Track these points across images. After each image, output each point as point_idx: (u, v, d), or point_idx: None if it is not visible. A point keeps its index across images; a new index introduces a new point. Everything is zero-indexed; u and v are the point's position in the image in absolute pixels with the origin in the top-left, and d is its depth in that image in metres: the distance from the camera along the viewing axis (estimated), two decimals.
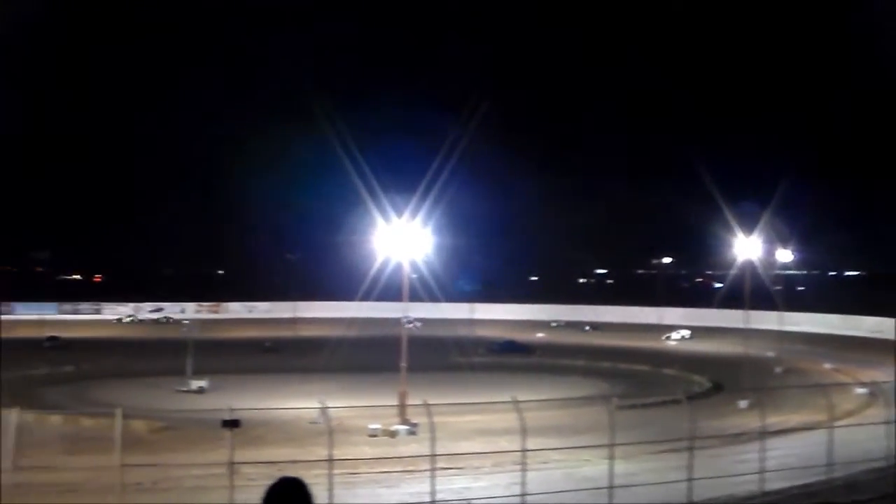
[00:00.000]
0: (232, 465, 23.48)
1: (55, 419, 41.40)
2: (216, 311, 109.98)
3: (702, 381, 56.85)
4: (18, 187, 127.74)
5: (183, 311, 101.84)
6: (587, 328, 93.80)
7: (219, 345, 71.30)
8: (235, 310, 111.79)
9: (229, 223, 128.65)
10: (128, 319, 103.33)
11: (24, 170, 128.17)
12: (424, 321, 78.77)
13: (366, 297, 70.76)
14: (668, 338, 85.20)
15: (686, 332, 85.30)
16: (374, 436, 38.79)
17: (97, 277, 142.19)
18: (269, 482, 5.41)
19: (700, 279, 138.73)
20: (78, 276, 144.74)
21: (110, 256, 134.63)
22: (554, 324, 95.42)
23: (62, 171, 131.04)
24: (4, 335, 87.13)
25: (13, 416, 23.54)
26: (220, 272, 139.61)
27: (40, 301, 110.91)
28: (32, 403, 44.40)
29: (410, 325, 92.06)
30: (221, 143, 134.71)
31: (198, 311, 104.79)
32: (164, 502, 26.26)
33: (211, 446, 30.29)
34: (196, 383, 53.23)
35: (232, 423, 25.70)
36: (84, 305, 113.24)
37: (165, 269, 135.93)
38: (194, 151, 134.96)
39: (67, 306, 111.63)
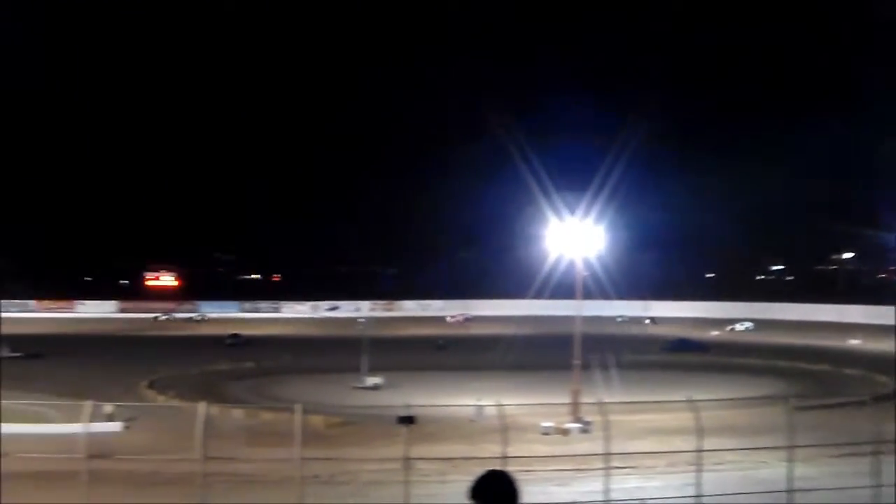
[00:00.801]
0: (407, 460, 23.78)
1: (238, 413, 42.95)
2: (390, 309, 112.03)
3: (887, 382, 54.08)
4: (202, 193, 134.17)
5: (358, 310, 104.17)
6: (741, 326, 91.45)
7: (393, 342, 72.53)
8: (409, 308, 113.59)
9: (405, 222, 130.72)
10: (164, 318, 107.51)
11: (208, 177, 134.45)
12: (597, 319, 78.01)
13: (538, 295, 70.73)
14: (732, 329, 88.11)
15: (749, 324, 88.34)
16: (547, 434, 38.58)
17: (275, 277, 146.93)
18: (471, 478, 5.33)
19: (883, 275, 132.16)
20: (257, 276, 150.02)
21: (288, 256, 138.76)
22: (740, 326, 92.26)
23: (243, 176, 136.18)
24: (191, 332, 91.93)
25: (201, 409, 24.44)
26: (393, 270, 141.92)
27: (223, 300, 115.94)
28: (217, 398, 46.28)
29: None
30: (398, 143, 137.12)
31: (372, 310, 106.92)
32: (341, 495, 26.83)
33: (386, 442, 30.73)
34: (371, 380, 54.25)
35: (407, 420, 26.03)
36: (263, 304, 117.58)
37: (341, 267, 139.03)
38: (371, 153, 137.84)
39: (248, 305, 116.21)
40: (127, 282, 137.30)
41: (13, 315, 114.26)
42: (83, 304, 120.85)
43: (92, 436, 24.52)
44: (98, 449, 24.65)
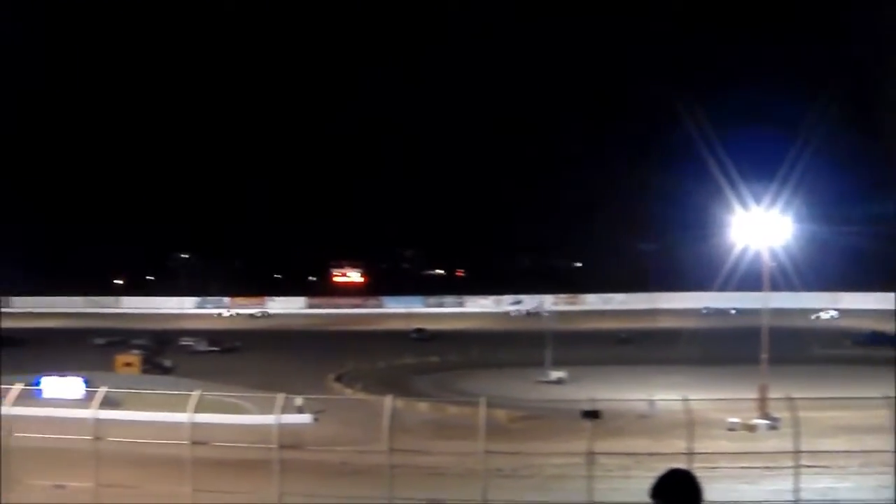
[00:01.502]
0: (590, 455, 23.52)
1: (423, 406, 43.60)
2: (573, 303, 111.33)
3: None
4: (387, 190, 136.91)
5: (541, 304, 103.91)
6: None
7: (576, 336, 71.99)
8: (592, 301, 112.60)
9: (585, 215, 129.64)
10: (228, 314, 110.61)
11: (394, 175, 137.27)
12: (784, 312, 75.11)
13: (723, 287, 68.84)
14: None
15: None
16: (733, 430, 37.50)
17: (459, 272, 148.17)
18: (655, 475, 5.17)
19: None
20: (441, 271, 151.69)
21: (471, 251, 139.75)
22: None
23: (428, 174, 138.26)
24: (375, 327, 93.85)
25: (387, 402, 24.86)
26: (576, 264, 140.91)
27: (407, 295, 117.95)
28: (403, 391, 47.08)
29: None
30: (580, 137, 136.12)
31: (555, 304, 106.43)
32: (524, 489, 26.79)
33: (570, 436, 30.46)
34: (555, 374, 54.08)
35: (592, 414, 25.74)
36: (448, 299, 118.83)
37: (522, 261, 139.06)
38: (554, 146, 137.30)
39: (432, 300, 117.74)
40: (315, 278, 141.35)
41: (209, 311, 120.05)
42: (273, 300, 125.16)
43: (283, 427, 25.29)
44: (289, 439, 25.40)
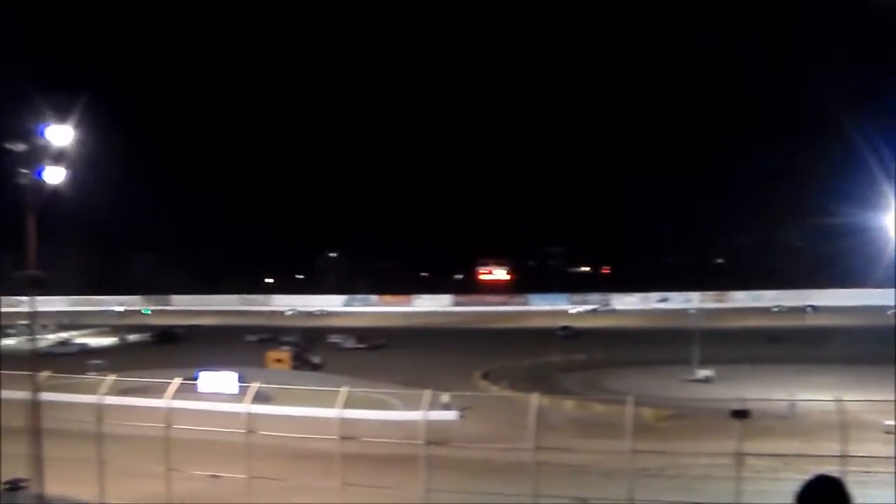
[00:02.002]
0: (739, 455, 22.97)
1: (569, 404, 43.35)
2: (720, 301, 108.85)
3: None
4: (531, 187, 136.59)
5: (688, 301, 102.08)
6: None
7: (724, 334, 70.38)
8: (740, 299, 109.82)
9: (729, 210, 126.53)
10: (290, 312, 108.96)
11: (536, 172, 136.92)
12: None
13: (881, 284, 66.15)
14: None
15: None
16: (890, 433, 35.86)
17: (605, 269, 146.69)
18: (805, 478, 5.00)
19: None
20: (587, 269, 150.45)
21: (617, 248, 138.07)
22: None
23: (570, 171, 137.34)
24: (520, 325, 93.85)
25: (533, 400, 24.84)
26: (719, 261, 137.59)
27: (553, 293, 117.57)
28: (548, 389, 46.95)
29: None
30: (728, 131, 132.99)
31: (702, 301, 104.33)
32: (670, 489, 26.37)
33: (718, 436, 29.77)
34: (702, 372, 53.01)
35: (741, 414, 25.06)
36: (593, 296, 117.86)
37: (666, 258, 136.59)
38: (697, 141, 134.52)
39: (578, 297, 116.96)
40: (461, 276, 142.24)
41: (356, 309, 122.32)
42: (420, 298, 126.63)
43: (430, 423, 25.55)
44: (435, 436, 25.63)
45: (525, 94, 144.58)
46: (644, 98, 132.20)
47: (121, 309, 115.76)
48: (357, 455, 25.88)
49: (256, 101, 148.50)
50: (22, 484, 26.07)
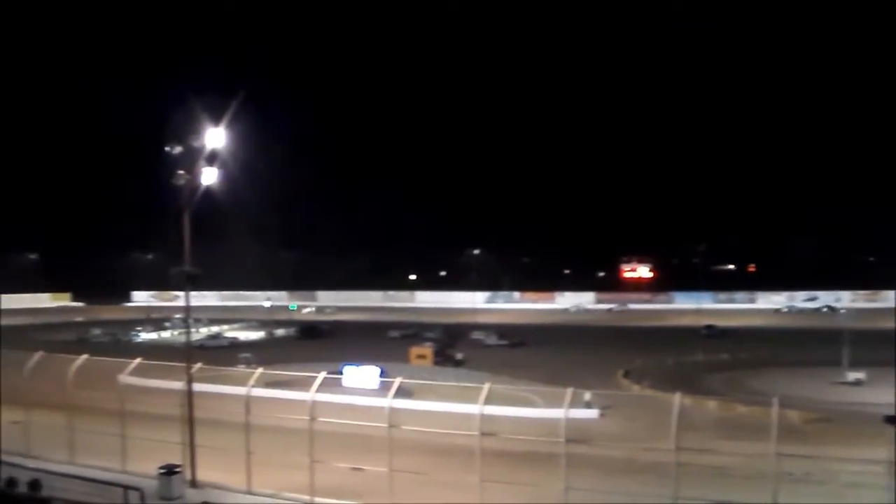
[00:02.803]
0: (893, 463, 22.16)
1: (712, 404, 42.53)
2: (872, 300, 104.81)
3: None
4: (675, 185, 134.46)
5: (837, 300, 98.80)
6: None
7: (877, 335, 67.69)
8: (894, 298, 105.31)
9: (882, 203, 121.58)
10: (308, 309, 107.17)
11: (679, 169, 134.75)
12: None
13: None
14: None
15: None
16: None
17: (751, 267, 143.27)
18: None
19: None
20: (731, 266, 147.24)
21: (764, 245, 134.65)
22: None
23: (717, 168, 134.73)
24: (664, 323, 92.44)
25: (676, 399, 24.50)
26: (871, 259, 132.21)
27: (697, 291, 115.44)
28: (691, 388, 46.19)
29: None
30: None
31: (853, 300, 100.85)
32: (817, 495, 25.63)
33: (869, 442, 28.73)
34: (853, 375, 51.34)
35: (895, 419, 24.20)
36: (738, 294, 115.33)
37: (820, 255, 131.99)
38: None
39: (722, 295, 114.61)
40: (603, 273, 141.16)
41: (499, 306, 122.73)
42: (563, 295, 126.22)
43: (570, 421, 25.44)
44: (576, 434, 25.50)
45: (671, 91, 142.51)
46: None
47: (268, 304, 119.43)
48: (497, 451, 26.00)
49: (401, 100, 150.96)
50: (176, 469, 27.30)
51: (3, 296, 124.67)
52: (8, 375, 35.54)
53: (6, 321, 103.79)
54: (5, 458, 23.54)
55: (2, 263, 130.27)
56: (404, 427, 27.32)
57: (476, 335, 79.28)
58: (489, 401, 26.60)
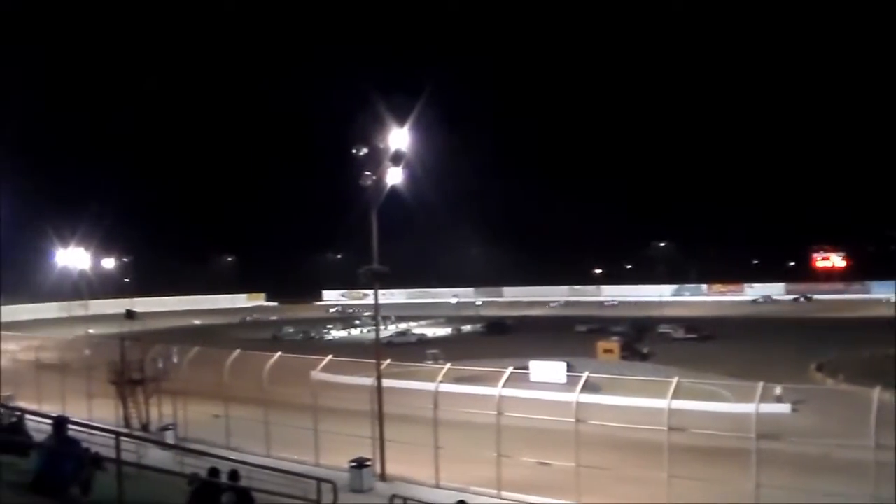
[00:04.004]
0: None
1: None
2: None
3: None
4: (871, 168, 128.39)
5: None
6: None
7: None
8: None
9: None
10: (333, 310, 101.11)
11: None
12: None
13: None
14: None
15: None
16: None
17: None
18: None
19: None
20: None
21: None
22: None
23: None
24: (859, 314, 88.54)
25: (874, 394, 23.65)
26: None
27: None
28: (890, 383, 44.10)
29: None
30: None
31: None
32: None
33: None
34: None
35: None
36: None
37: None
38: None
39: None
40: (794, 263, 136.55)
41: (686, 299, 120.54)
42: (751, 286, 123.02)
43: (761, 416, 24.97)
44: (766, 429, 24.98)
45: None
46: None
47: (455, 301, 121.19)
48: (685, 447, 25.74)
49: (585, 93, 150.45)
50: (366, 463, 28.32)
51: (203, 297, 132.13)
52: (209, 372, 37.68)
53: (206, 321, 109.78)
54: (208, 449, 24.95)
55: (202, 267, 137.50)
56: (591, 422, 27.44)
57: (663, 328, 78.23)
58: (677, 395, 26.41)
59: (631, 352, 62.64)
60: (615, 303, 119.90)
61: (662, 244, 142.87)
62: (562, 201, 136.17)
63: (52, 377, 45.12)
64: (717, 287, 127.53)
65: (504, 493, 26.61)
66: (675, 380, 27.33)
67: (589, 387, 30.20)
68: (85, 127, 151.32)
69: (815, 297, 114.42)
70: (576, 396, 27.81)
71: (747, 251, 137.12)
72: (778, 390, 37.43)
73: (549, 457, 27.45)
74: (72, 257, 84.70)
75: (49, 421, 14.57)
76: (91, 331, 78.58)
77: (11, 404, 30.28)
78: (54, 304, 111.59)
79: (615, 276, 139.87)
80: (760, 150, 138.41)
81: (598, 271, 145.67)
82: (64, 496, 12.74)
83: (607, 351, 61.76)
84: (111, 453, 12.84)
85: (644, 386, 34.60)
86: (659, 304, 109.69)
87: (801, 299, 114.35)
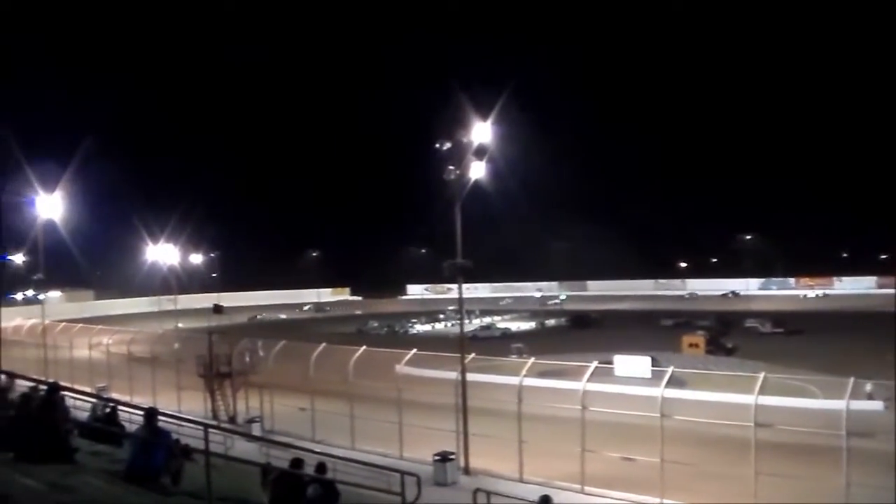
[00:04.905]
0: None
1: None
2: None
3: None
4: None
5: None
6: None
7: None
8: None
9: None
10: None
11: None
12: None
13: None
14: None
15: None
16: None
17: None
18: None
19: None
20: None
21: None
22: None
23: None
24: None
25: None
26: None
27: None
28: None
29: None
30: None
31: None
32: None
33: None
34: None
35: None
36: None
37: None
38: None
39: None
40: (886, 256, 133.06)
41: (775, 292, 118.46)
42: (840, 280, 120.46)
43: (852, 413, 24.48)
44: (857, 426, 24.49)
45: None
46: None
47: (539, 295, 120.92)
48: (772, 443, 25.36)
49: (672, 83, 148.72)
50: (450, 457, 28.48)
51: (290, 291, 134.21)
52: (295, 366, 38.26)
53: (292, 315, 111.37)
54: (293, 441, 25.34)
55: (288, 262, 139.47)
56: (676, 417, 27.19)
57: (750, 323, 76.97)
58: (763, 391, 26.03)
59: (716, 346, 61.79)
60: (695, 295, 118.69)
61: (749, 237, 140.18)
62: (647, 195, 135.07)
63: (143, 370, 46.33)
64: (805, 280, 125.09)
65: (587, 488, 26.53)
66: (761, 375, 26.96)
67: (674, 381, 29.95)
68: (176, 126, 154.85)
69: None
70: (661, 391, 27.62)
71: (836, 243, 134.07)
72: (869, 387, 36.62)
73: (633, 452, 27.29)
74: (161, 253, 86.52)
75: (140, 412, 14.96)
76: (180, 325, 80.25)
77: (105, 395, 31.14)
78: (145, 299, 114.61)
79: (700, 270, 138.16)
80: (850, 141, 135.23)
81: (683, 265, 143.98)
82: (155, 485, 13.07)
83: (692, 345, 61.02)
84: (199, 444, 13.14)
85: (730, 381, 34.22)
86: (745, 297, 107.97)
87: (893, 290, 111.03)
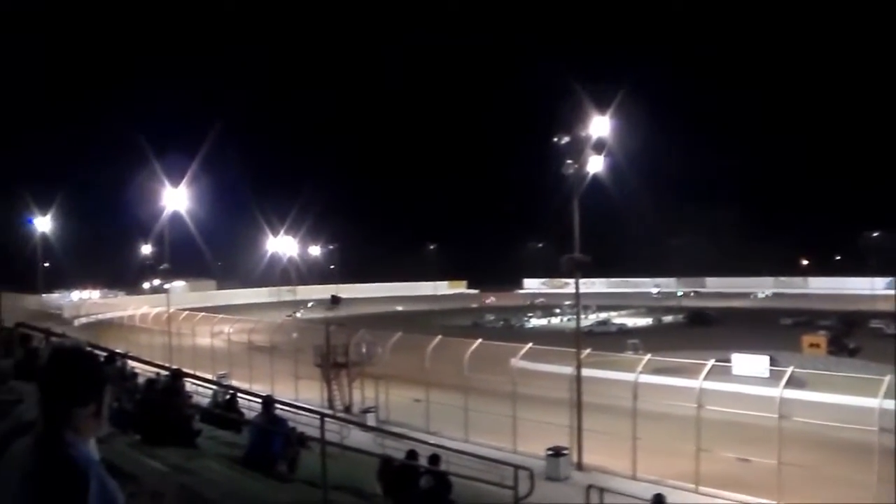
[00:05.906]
0: None
1: None
2: None
3: None
4: None
5: None
6: None
7: None
8: None
9: None
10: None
11: None
12: None
13: None
14: None
15: None
16: None
17: None
18: None
19: None
20: None
21: None
22: None
23: None
24: None
25: None
26: None
27: None
28: None
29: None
30: None
31: None
32: None
33: None
34: None
35: None
36: None
37: None
38: None
39: None
40: None
41: None
42: None
43: None
44: None
45: None
46: None
47: (657, 291, 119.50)
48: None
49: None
50: (563, 452, 28.51)
51: (405, 284, 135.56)
52: (410, 357, 38.74)
53: (410, 307, 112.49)
54: (408, 432, 25.72)
55: (406, 255, 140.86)
56: (795, 418, 26.66)
57: (875, 323, 74.64)
58: (889, 395, 25.35)
59: (838, 347, 60.16)
60: (825, 295, 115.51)
61: (875, 234, 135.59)
62: (769, 191, 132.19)
63: (262, 358, 47.49)
64: None
65: (702, 488, 26.24)
66: (887, 378, 26.27)
67: (793, 382, 29.40)
68: (295, 120, 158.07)
69: None
70: (779, 391, 27.16)
71: None
72: None
73: (749, 453, 26.88)
74: (281, 245, 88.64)
75: (259, 400, 15.45)
76: (298, 315, 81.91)
77: (225, 382, 32.11)
78: (264, 290, 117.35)
79: (823, 268, 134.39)
80: None
81: (805, 262, 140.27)
82: (272, 472, 13.50)
83: (813, 345, 59.55)
84: (315, 433, 13.49)
85: (852, 383, 33.28)
86: (871, 297, 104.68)
87: None
